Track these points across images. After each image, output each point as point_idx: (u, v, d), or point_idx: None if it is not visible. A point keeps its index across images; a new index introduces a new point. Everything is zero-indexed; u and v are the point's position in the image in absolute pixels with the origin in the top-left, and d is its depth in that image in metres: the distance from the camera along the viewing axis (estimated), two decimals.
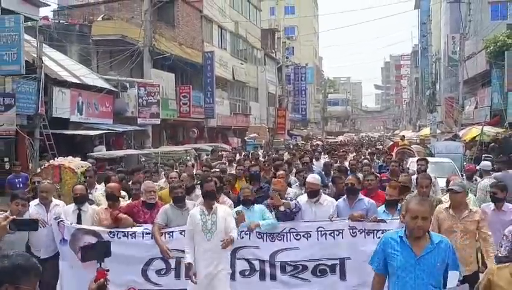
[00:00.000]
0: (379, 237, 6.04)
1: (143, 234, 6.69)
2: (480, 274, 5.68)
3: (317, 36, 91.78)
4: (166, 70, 26.25)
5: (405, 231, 4.02)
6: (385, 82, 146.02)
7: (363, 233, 6.56)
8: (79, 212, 6.95)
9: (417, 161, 10.90)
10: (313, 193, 7.08)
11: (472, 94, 34.21)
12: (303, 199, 7.20)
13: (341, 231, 6.66)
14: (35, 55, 15.76)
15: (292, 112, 58.54)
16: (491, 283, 3.83)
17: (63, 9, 25.57)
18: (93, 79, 19.81)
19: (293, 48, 70.61)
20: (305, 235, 6.72)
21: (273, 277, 6.71)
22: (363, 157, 16.93)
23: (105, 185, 8.13)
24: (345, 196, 7.14)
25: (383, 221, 6.54)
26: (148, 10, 21.24)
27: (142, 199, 7.06)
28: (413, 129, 57.29)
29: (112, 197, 7.04)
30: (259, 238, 6.67)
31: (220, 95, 34.48)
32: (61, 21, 23.81)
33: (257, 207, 6.90)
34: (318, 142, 41.30)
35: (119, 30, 22.20)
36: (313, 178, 7.37)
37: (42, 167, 9.99)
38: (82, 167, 9.74)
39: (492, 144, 20.39)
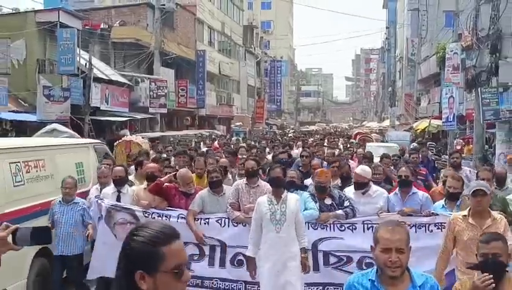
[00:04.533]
0: (431, 231, 6.05)
1: (178, 217, 6.53)
2: None
3: (292, 31, 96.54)
4: (165, 67, 30.81)
5: (377, 271, 3.06)
6: (355, 74, 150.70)
7: (414, 227, 6.01)
8: (118, 194, 7.01)
9: (451, 155, 10.33)
10: (360, 185, 6.62)
11: (426, 91, 39.54)
12: (351, 189, 6.79)
13: None
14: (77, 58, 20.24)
15: (268, 102, 63.40)
16: None
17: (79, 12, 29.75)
18: (116, 76, 24.35)
19: (268, 41, 75.01)
20: (350, 227, 6.32)
21: (316, 268, 6.25)
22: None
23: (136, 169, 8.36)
24: (397, 188, 6.72)
25: (436, 215, 6.11)
26: (158, 19, 25.77)
27: (180, 188, 6.80)
28: (378, 121, 62.79)
29: (151, 178, 6.96)
30: None
31: (208, 88, 39.15)
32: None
33: (301, 193, 6.43)
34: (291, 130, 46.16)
35: (133, 34, 26.73)
36: (361, 170, 6.88)
37: (117, 142, 14.59)
38: (144, 142, 14.47)
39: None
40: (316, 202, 6.36)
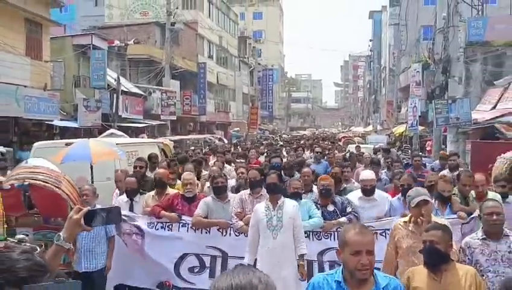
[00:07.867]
0: None
1: (179, 226, 6.55)
2: None
3: (282, 39, 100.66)
4: (172, 79, 34.69)
5: (342, 272, 3.06)
6: (344, 80, 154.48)
7: None
8: (131, 203, 7.11)
9: (449, 157, 10.57)
10: (369, 191, 6.66)
11: (405, 99, 43.55)
12: (356, 195, 6.84)
13: None
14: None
15: (260, 109, 67.30)
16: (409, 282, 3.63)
17: (95, 29, 33.54)
18: (134, 88, 28.18)
19: (260, 50, 78.98)
20: None
21: None
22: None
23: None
24: (400, 194, 6.68)
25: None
26: (169, 38, 29.65)
27: (181, 191, 6.89)
28: (364, 126, 66.95)
29: (159, 184, 7.16)
30: (305, 236, 6.01)
31: (208, 96, 43.09)
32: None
33: (304, 202, 6.42)
34: (284, 135, 50.06)
35: (146, 51, 30.64)
36: (370, 173, 7.04)
37: None
38: (170, 144, 18.23)
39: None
40: (319, 208, 6.37)
